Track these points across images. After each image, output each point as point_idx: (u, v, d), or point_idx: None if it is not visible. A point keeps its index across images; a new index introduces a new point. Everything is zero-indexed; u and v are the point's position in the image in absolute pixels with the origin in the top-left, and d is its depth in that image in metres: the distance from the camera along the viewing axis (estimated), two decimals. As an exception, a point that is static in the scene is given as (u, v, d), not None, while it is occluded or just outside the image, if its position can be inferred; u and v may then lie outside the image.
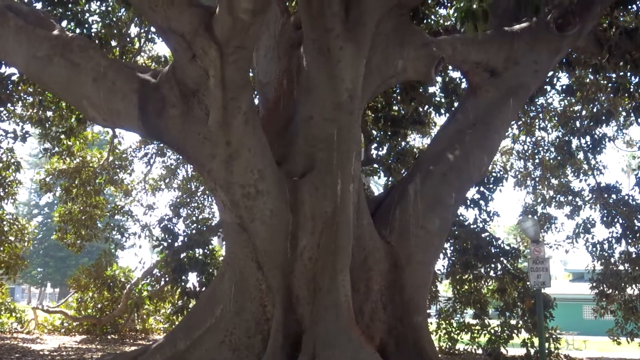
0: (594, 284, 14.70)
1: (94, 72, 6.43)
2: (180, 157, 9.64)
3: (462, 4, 5.49)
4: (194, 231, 13.46)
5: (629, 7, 10.50)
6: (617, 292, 14.39)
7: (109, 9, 11.63)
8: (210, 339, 6.79)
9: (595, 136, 14.24)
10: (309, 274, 6.75)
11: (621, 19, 10.71)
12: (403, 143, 12.88)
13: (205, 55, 6.02)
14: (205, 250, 13.00)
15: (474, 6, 5.38)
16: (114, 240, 17.77)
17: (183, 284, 12.62)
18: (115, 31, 11.73)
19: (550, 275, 14.92)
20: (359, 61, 6.96)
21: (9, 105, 11.67)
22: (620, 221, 14.08)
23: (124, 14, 11.72)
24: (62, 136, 13.55)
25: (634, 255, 14.18)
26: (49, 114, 12.45)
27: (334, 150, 6.83)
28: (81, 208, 15.91)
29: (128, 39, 12.33)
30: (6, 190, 13.51)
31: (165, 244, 13.12)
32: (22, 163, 14.58)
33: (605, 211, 14.41)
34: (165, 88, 6.47)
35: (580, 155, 14.91)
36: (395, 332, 7.05)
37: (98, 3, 11.41)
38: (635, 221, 13.91)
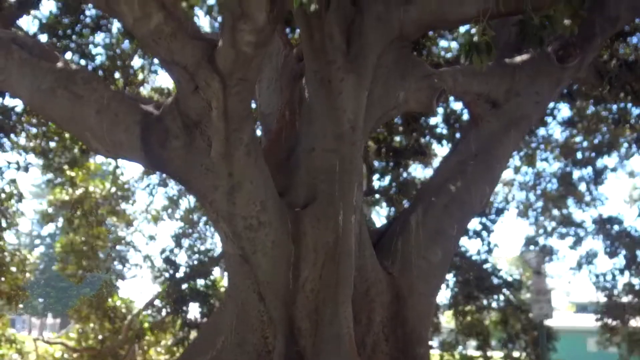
0: (599, 316, 14.62)
1: (98, 104, 6.44)
2: (183, 188, 9.67)
3: (465, 38, 5.52)
4: (195, 262, 13.47)
5: (629, 39, 10.59)
6: (620, 324, 14.30)
7: (113, 41, 11.73)
8: (212, 371, 6.76)
9: (597, 167, 14.28)
10: (311, 306, 6.70)
11: (621, 51, 10.77)
12: (405, 174, 12.91)
13: (208, 87, 6.04)
14: (207, 281, 13.00)
15: (477, 40, 5.42)
16: (115, 271, 17.74)
17: (184, 314, 12.58)
18: (119, 63, 11.82)
19: (553, 306, 14.89)
20: (361, 93, 6.97)
21: (12, 136, 11.72)
22: (623, 252, 14.05)
23: (128, 46, 11.80)
24: (65, 167, 13.60)
25: (637, 287, 14.13)
26: (52, 145, 12.52)
27: (335, 181, 6.81)
28: (83, 239, 15.89)
29: (132, 71, 12.41)
30: (8, 220, 13.49)
31: (166, 274, 13.10)
32: (25, 193, 14.58)
33: (607, 242, 14.38)
34: (168, 119, 6.48)
35: (582, 187, 14.94)
36: (397, 364, 7.00)
37: (102, 35, 11.52)
38: (638, 252, 13.87)
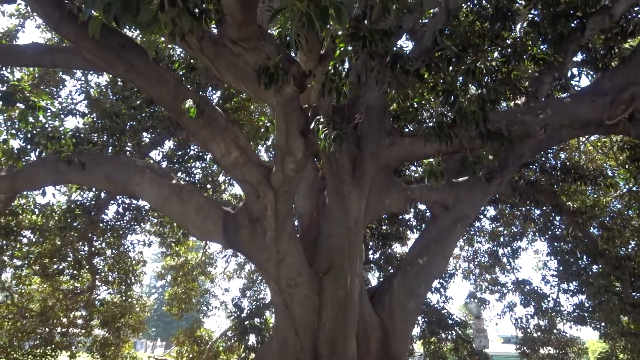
0: (518, 346, 14.07)
1: (196, 206, 6.50)
2: (247, 259, 9.52)
3: (427, 167, 5.56)
4: (254, 307, 13.14)
5: (531, 167, 10.60)
6: (533, 352, 13.77)
7: (206, 165, 11.92)
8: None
9: (514, 247, 14.04)
10: (328, 339, 6.48)
11: (526, 174, 10.77)
12: (389, 250, 12.70)
13: (265, 197, 6.09)
14: (261, 320, 12.62)
15: (435, 168, 5.46)
16: (202, 311, 17.35)
17: (246, 342, 12.17)
18: (210, 179, 11.98)
19: (488, 339, 14.30)
20: (361, 200, 6.98)
21: (142, 224, 11.80)
22: (533, 303, 13.64)
23: (216, 168, 12.00)
24: (173, 244, 13.59)
25: (543, 326, 13.68)
26: (166, 230, 12.55)
27: (345, 257, 6.72)
28: (182, 290, 15.69)
29: (218, 183, 12.58)
30: (136, 277, 13.39)
31: (235, 314, 12.78)
32: (147, 260, 14.52)
33: (522, 297, 13.98)
34: (240, 216, 6.50)
35: (505, 260, 14.61)
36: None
37: (200, 161, 11.70)
38: (543, 304, 13.47)
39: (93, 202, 10.10)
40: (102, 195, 10.18)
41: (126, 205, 10.99)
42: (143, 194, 6.72)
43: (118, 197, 10.56)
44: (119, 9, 2.69)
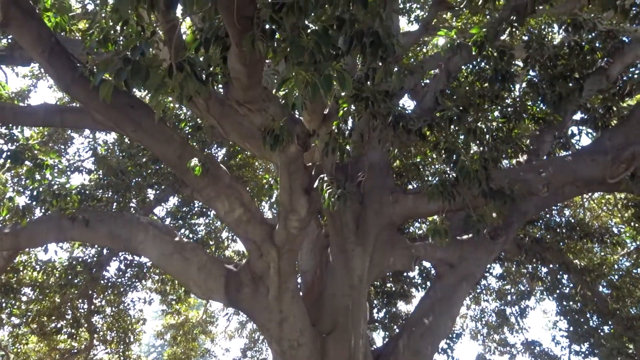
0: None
1: (198, 264, 6.45)
2: (249, 318, 9.35)
3: (431, 225, 5.55)
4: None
5: (536, 224, 10.55)
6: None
7: (210, 221, 11.92)
8: None
9: (522, 306, 13.75)
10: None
11: (531, 231, 10.71)
12: (394, 309, 12.45)
13: (268, 255, 6.06)
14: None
15: (439, 226, 5.45)
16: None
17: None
18: (213, 235, 11.94)
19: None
20: (365, 258, 6.92)
21: (143, 281, 11.67)
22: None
23: (219, 225, 11.99)
24: (174, 302, 13.38)
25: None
26: (167, 287, 12.40)
27: (349, 317, 6.59)
28: (182, 350, 15.28)
29: (221, 240, 12.52)
30: (135, 337, 13.09)
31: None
32: (147, 318, 14.24)
33: (533, 358, 13.56)
34: (242, 274, 6.44)
35: (513, 319, 14.26)
36: None
37: (203, 218, 11.71)
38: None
39: (95, 259, 10.06)
40: (105, 251, 10.14)
41: (128, 262, 10.92)
42: (146, 251, 6.69)
43: (120, 253, 10.51)
44: (129, 74, 2.80)
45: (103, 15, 5.15)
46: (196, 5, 3.39)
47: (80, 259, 10.01)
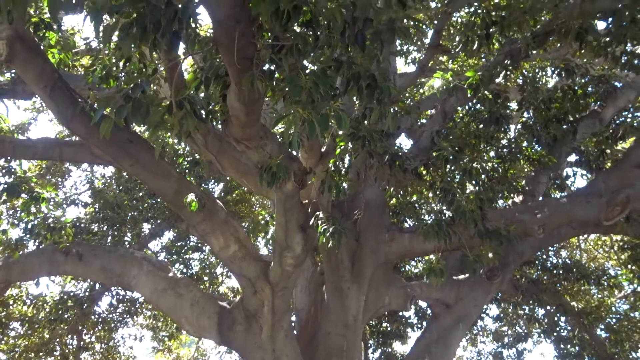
0: None
1: (191, 300, 6.38)
2: (241, 357, 9.18)
3: (427, 265, 5.53)
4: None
5: (532, 265, 10.50)
6: None
7: (205, 256, 11.83)
8: None
9: (518, 349, 13.52)
10: None
11: (528, 272, 10.64)
12: (389, 349, 12.22)
13: (262, 292, 5.99)
14: None
15: (434, 266, 5.43)
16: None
17: None
18: (207, 271, 11.83)
19: None
20: (360, 297, 6.85)
21: (134, 317, 11.48)
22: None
23: (214, 260, 11.90)
24: (166, 339, 13.12)
25: None
26: (159, 324, 12.19)
27: (343, 357, 6.48)
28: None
29: (215, 276, 12.39)
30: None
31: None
32: (137, 356, 13.91)
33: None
34: (235, 312, 6.35)
35: (510, 362, 13.99)
36: None
37: (198, 253, 11.62)
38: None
39: (87, 293, 9.92)
40: (97, 286, 10.01)
41: (120, 297, 10.76)
42: (139, 286, 6.63)
43: (113, 288, 10.37)
44: (130, 111, 2.85)
45: (106, 52, 5.27)
46: (197, 45, 3.48)
47: (71, 293, 9.86)
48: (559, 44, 7.68)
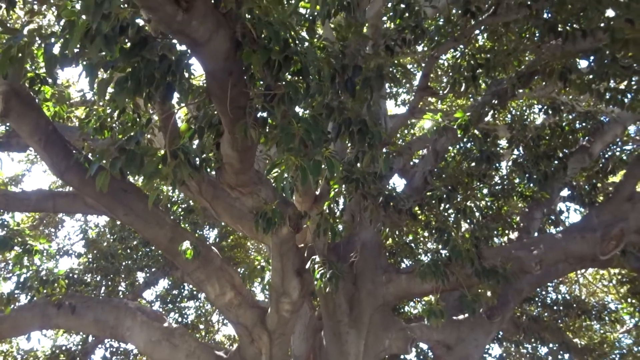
0: None
1: (187, 351, 6.23)
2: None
3: (426, 306, 5.48)
4: None
5: (532, 301, 10.40)
6: None
7: (200, 304, 11.63)
8: None
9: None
10: None
11: (528, 309, 10.54)
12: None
13: (260, 339, 5.89)
14: None
15: (434, 307, 5.37)
16: None
17: None
18: (203, 319, 11.62)
19: None
20: (359, 341, 6.73)
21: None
22: None
23: (209, 308, 11.70)
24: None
25: None
26: (154, 375, 11.83)
27: (345, 405, 6.31)
28: None
29: (211, 324, 12.17)
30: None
31: None
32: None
33: None
34: (232, 361, 6.22)
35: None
36: None
37: (193, 301, 11.43)
38: None
39: (79, 347, 9.67)
40: (90, 339, 9.78)
41: (114, 350, 10.50)
42: (133, 338, 6.48)
43: (106, 340, 10.14)
44: (124, 163, 2.88)
45: (100, 103, 5.35)
46: (191, 96, 3.56)
47: (63, 347, 9.62)
48: (544, 83, 7.88)
